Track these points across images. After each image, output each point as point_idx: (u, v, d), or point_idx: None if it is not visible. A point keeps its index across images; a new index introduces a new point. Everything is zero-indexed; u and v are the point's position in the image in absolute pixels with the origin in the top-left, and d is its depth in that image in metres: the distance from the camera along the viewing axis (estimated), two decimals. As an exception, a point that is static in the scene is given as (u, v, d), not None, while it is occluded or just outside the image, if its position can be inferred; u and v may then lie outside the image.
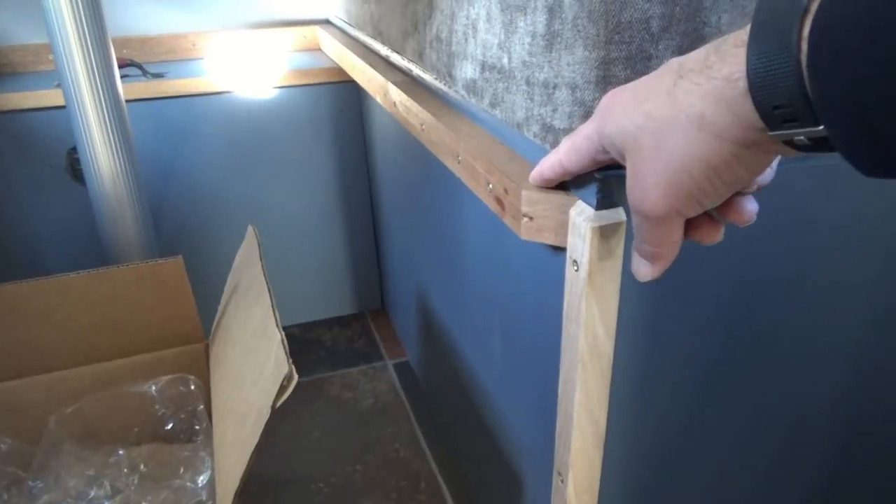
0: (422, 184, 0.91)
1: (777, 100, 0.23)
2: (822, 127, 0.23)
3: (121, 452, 0.74)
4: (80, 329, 0.79)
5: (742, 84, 0.24)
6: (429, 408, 1.13)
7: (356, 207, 1.32)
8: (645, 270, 0.35)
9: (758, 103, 0.24)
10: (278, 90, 1.17)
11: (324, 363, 1.26)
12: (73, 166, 1.09)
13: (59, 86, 0.86)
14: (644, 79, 0.31)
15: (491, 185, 0.54)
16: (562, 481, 0.56)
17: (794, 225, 0.51)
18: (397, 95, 0.76)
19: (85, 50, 0.82)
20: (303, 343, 1.32)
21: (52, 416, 0.77)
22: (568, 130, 0.45)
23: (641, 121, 0.29)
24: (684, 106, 0.27)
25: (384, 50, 0.88)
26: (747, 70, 0.24)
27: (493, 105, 0.55)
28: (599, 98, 0.42)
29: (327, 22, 1.30)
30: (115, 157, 0.88)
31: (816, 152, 0.25)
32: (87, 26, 0.81)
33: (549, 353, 0.56)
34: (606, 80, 0.41)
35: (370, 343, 1.32)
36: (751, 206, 0.33)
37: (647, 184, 0.30)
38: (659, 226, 0.31)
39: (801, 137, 0.24)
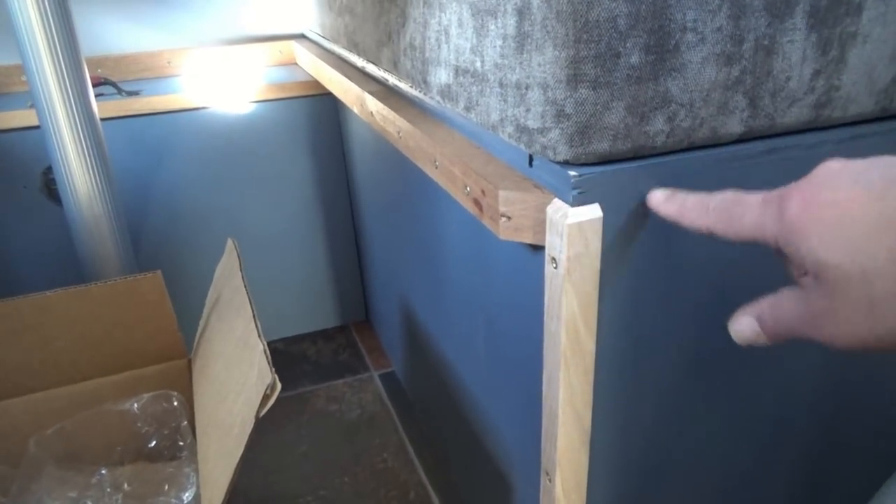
0: (401, 192, 0.91)
1: None
2: None
3: (103, 472, 0.73)
4: (59, 348, 0.78)
5: None
6: (416, 417, 1.12)
7: (337, 219, 1.32)
8: (751, 335, 0.34)
9: None
10: (255, 105, 1.17)
11: (309, 377, 1.25)
12: (49, 186, 1.08)
13: (32, 106, 0.86)
14: (851, 203, 0.28)
15: (468, 188, 0.54)
16: (550, 481, 0.56)
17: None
18: (374, 105, 0.77)
19: (58, 70, 0.81)
20: (287, 357, 1.31)
21: (32, 438, 0.75)
22: (541, 130, 0.45)
23: (854, 272, 0.27)
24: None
25: (359, 61, 0.88)
26: None
27: (467, 109, 0.55)
28: (571, 97, 0.43)
29: (302, 36, 1.31)
30: (91, 175, 0.88)
31: None
32: (60, 46, 0.80)
33: (532, 353, 0.56)
34: (577, 78, 0.42)
35: (355, 355, 1.31)
36: None
37: (847, 330, 0.28)
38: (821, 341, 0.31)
39: None
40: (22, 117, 1.02)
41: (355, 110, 0.87)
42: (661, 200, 0.43)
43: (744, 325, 0.34)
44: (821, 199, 0.29)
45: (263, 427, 1.13)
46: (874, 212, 0.27)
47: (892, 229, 0.26)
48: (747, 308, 0.34)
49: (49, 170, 1.05)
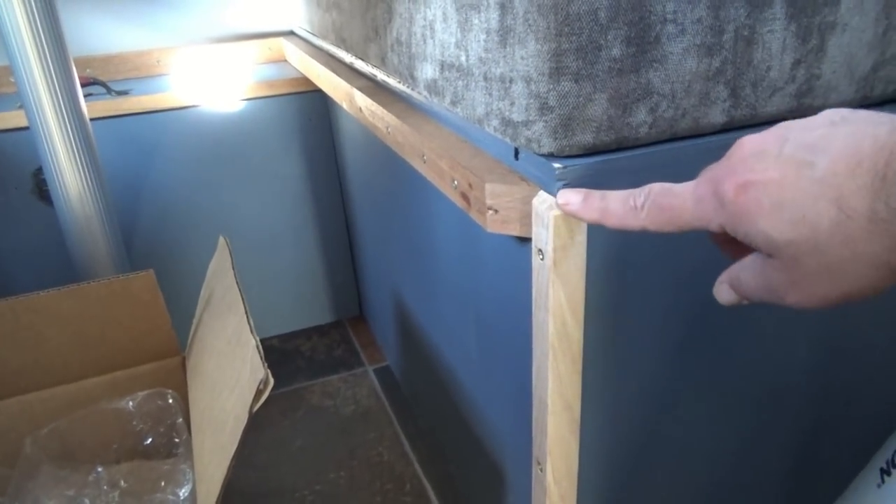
0: (392, 187, 0.92)
1: None
2: None
3: (100, 470, 0.73)
4: (53, 348, 0.79)
5: None
6: (411, 410, 1.13)
7: (329, 215, 1.32)
8: (732, 299, 0.35)
9: None
10: (245, 102, 1.17)
11: (304, 372, 1.25)
12: (40, 187, 1.08)
13: (21, 107, 0.86)
14: (783, 180, 0.29)
15: (456, 182, 0.55)
16: (541, 469, 0.57)
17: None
18: (363, 101, 0.77)
19: (46, 70, 0.81)
20: (282, 354, 1.32)
21: (28, 438, 0.76)
22: (526, 123, 0.46)
23: (805, 245, 0.28)
24: (864, 254, 0.27)
25: (348, 57, 0.88)
26: None
27: (454, 103, 0.56)
28: (554, 90, 0.43)
29: (291, 33, 1.31)
30: (82, 175, 0.88)
31: None
32: (48, 47, 0.80)
33: (522, 344, 0.57)
34: (559, 71, 0.43)
35: (350, 350, 1.32)
36: None
37: (812, 294, 0.30)
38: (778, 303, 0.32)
39: None
40: (11, 118, 1.02)
41: (344, 106, 0.87)
42: (578, 204, 0.40)
43: (723, 292, 0.35)
44: (755, 181, 0.30)
45: (259, 423, 1.14)
46: (805, 183, 0.28)
47: (826, 196, 0.27)
48: (722, 275, 0.35)
49: (40, 171, 1.06)
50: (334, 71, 0.90)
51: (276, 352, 1.33)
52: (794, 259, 0.29)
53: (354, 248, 1.34)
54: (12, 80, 0.83)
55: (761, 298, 0.33)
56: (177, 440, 0.79)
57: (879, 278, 0.28)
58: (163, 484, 0.72)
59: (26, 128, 0.86)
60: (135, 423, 0.79)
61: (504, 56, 0.46)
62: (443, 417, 0.95)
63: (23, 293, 0.78)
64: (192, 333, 0.85)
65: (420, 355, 0.99)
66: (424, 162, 0.61)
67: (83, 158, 0.87)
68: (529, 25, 0.42)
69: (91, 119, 0.89)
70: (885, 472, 0.42)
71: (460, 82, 0.53)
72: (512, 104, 0.46)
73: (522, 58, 0.44)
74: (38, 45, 0.80)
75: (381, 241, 1.09)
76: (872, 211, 0.26)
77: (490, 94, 0.49)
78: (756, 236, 0.30)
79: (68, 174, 0.87)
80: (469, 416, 0.81)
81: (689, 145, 0.49)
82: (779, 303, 0.32)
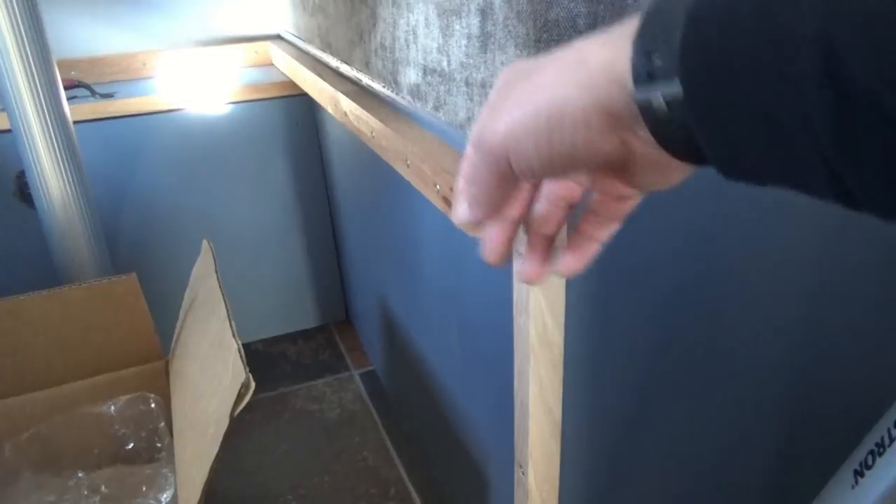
0: (377, 191, 0.92)
1: (651, 45, 0.22)
2: (678, 81, 0.22)
3: (80, 475, 0.72)
4: (34, 352, 0.78)
5: (630, 48, 0.23)
6: (396, 415, 1.13)
7: (315, 219, 1.32)
8: (463, 211, 0.31)
9: (635, 51, 0.23)
10: (232, 106, 1.17)
11: (289, 377, 1.25)
12: (22, 190, 1.07)
13: (3, 110, 0.85)
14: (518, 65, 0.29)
15: (438, 186, 0.55)
16: (523, 473, 0.57)
17: (733, 212, 0.54)
18: (347, 105, 0.77)
19: (28, 73, 0.81)
20: (267, 358, 1.31)
21: (8, 443, 0.75)
22: (506, 128, 0.46)
23: (518, 76, 0.28)
24: (571, 52, 0.26)
25: (333, 61, 0.89)
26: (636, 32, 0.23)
27: (436, 108, 0.56)
28: (534, 95, 0.44)
29: (278, 37, 1.31)
30: (65, 178, 0.87)
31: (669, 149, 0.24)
32: (30, 49, 0.80)
33: (504, 348, 0.57)
34: (539, 77, 0.43)
35: (335, 354, 1.31)
36: (592, 249, 0.33)
37: (499, 111, 0.28)
38: (486, 160, 0.29)
39: (660, 102, 0.22)
40: (-7, 121, 1.01)
41: (330, 110, 0.87)
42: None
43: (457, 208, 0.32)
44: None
45: (244, 427, 1.14)
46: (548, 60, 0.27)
47: (568, 50, 0.26)
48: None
49: (22, 173, 1.05)
50: (320, 75, 0.91)
51: (262, 356, 1.32)
52: (508, 85, 0.28)
53: (340, 252, 1.34)
54: (-6, 82, 0.83)
55: (467, 167, 0.30)
56: (158, 445, 0.78)
57: (570, 86, 0.25)
58: (144, 489, 0.71)
59: (9, 130, 0.85)
60: (116, 427, 0.79)
61: (485, 61, 0.46)
62: (427, 422, 0.96)
63: (4, 296, 0.77)
64: (175, 337, 0.85)
65: (405, 360, 0.99)
66: (408, 166, 0.61)
67: (66, 161, 0.87)
68: (509, 31, 0.43)
69: (75, 122, 0.88)
70: (858, 474, 0.43)
71: (442, 87, 0.54)
72: (493, 109, 0.47)
73: (503, 63, 0.44)
74: (21, 46, 0.79)
75: (366, 244, 1.09)
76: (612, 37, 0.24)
77: (471, 99, 0.49)
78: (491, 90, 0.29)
79: (51, 177, 0.86)
80: (453, 420, 0.82)
81: (667, 151, 0.49)
82: (475, 148, 0.29)
